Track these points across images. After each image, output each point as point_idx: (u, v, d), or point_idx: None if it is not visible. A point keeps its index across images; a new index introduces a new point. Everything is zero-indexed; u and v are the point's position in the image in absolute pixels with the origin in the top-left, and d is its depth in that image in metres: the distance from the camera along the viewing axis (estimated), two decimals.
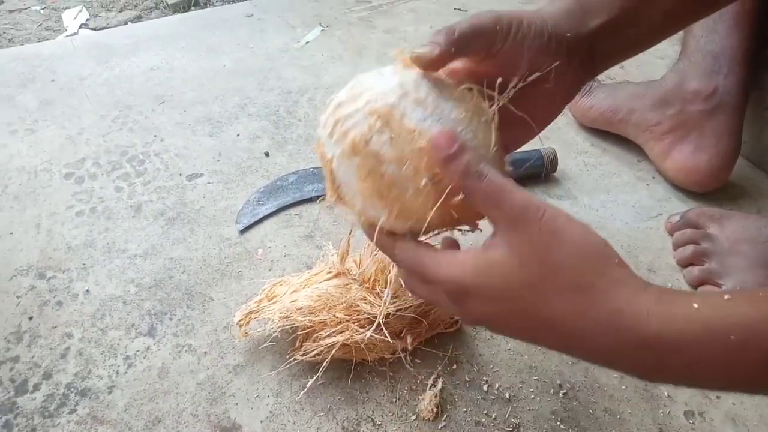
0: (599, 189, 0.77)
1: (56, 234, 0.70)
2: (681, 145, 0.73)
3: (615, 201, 0.75)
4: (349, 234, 0.55)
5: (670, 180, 0.76)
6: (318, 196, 0.74)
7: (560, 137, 0.84)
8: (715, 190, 0.74)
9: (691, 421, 0.54)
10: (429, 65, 0.38)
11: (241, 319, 0.57)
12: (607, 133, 0.83)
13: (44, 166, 0.79)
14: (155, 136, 0.84)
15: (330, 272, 0.59)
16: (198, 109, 0.89)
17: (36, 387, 0.55)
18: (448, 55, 0.37)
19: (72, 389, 0.55)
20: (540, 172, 0.76)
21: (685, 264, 0.66)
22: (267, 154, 0.81)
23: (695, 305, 0.30)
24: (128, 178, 0.77)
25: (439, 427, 0.53)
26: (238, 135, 0.84)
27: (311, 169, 0.78)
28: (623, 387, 0.56)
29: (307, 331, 0.56)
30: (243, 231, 0.70)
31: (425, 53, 0.37)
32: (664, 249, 0.69)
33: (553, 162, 0.76)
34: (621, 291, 0.31)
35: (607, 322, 0.31)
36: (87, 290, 0.64)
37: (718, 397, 0.55)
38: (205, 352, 0.58)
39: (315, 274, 0.59)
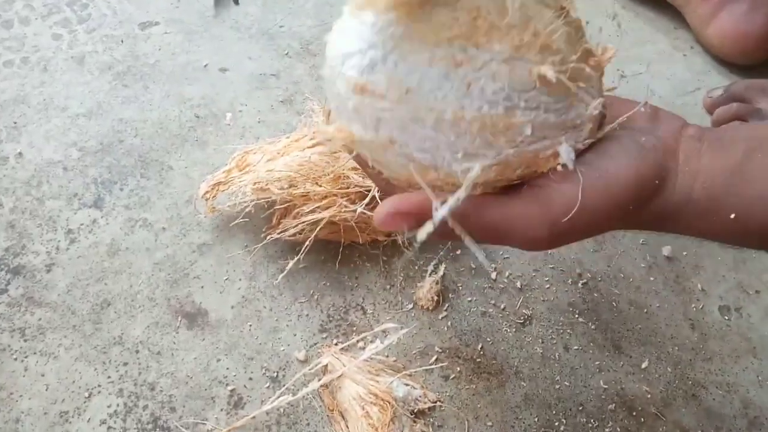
0: (631, 58, 0.66)
1: None
2: (731, 5, 0.62)
3: (648, 72, 0.64)
4: None
5: (712, 49, 0.65)
6: None
7: None
8: (763, 62, 0.64)
9: (726, 317, 0.47)
10: None
11: (207, 192, 0.47)
12: None
13: None
14: None
15: (314, 138, 0.49)
16: None
17: None
18: None
19: (2, 266, 0.46)
20: None
21: None
22: (236, 2, 0.67)
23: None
24: (68, 24, 0.63)
25: (440, 318, 0.45)
26: None
27: None
28: (651, 278, 0.49)
29: (286, 205, 0.47)
30: None
31: None
32: None
33: None
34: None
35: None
36: (19, 153, 0.53)
37: (757, 292, 0.49)
38: (164, 228, 0.49)
39: (295, 140, 0.49)
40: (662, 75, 0.65)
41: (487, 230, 0.25)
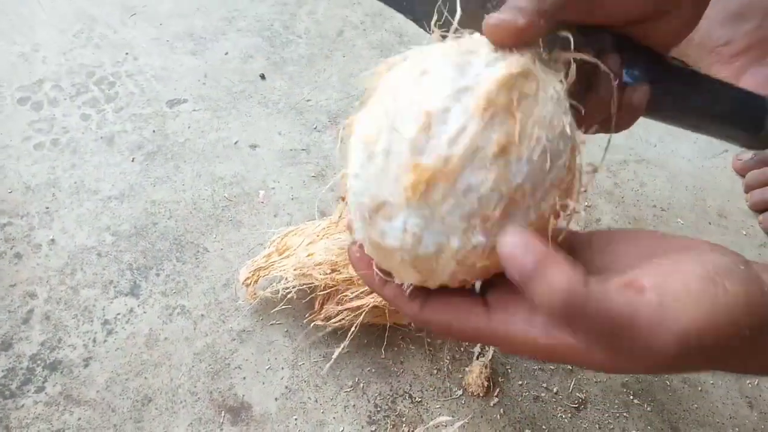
0: (654, 122, 0.66)
1: (10, 171, 0.57)
2: (756, 68, 0.63)
3: (674, 135, 0.65)
4: None
5: None
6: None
7: None
8: None
9: None
10: (510, 40, 0.25)
11: (248, 278, 0.47)
12: None
13: None
14: (127, 54, 0.70)
15: None
16: (177, 23, 0.74)
17: None
18: (537, 27, 0.24)
19: (38, 362, 0.45)
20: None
21: (761, 209, 0.57)
22: (263, 77, 0.68)
23: None
24: (96, 103, 0.64)
25: (491, 404, 0.44)
26: (226, 54, 0.71)
27: None
28: None
29: (328, 291, 0.46)
30: None
31: (505, 21, 0.24)
32: (734, 191, 0.60)
33: None
34: None
35: None
36: (52, 239, 0.52)
37: None
38: (202, 315, 0.48)
39: (335, 223, 0.49)
40: (689, 137, 0.65)
41: (608, 321, 0.22)
